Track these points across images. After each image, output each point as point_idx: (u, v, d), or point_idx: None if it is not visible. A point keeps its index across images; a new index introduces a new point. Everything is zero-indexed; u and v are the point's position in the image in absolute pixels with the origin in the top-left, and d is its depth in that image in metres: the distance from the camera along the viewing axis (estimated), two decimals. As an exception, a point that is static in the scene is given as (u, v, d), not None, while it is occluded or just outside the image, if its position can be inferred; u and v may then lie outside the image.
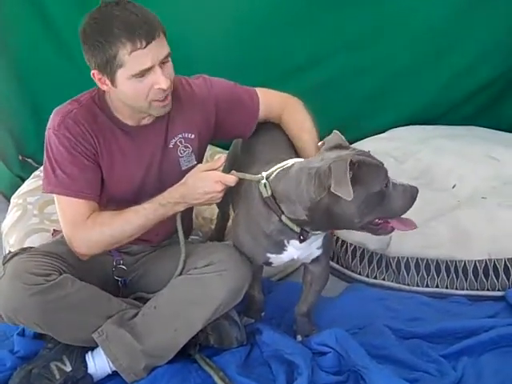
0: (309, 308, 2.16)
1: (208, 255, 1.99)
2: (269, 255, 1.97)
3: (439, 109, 3.28)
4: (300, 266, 2.37)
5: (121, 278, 2.14)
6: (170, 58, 1.88)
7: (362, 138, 3.08)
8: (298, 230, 1.86)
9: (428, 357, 2.06)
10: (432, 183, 2.74)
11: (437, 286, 2.43)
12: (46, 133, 1.97)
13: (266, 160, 2.00)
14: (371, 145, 2.87)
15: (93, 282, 1.99)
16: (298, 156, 2.07)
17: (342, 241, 2.61)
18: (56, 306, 1.87)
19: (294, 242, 1.91)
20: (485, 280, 2.39)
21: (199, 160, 2.12)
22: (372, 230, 1.85)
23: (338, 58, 3.10)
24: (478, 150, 2.90)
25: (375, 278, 2.52)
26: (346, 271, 2.59)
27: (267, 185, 1.87)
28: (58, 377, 1.92)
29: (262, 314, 2.26)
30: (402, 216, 1.85)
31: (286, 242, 1.92)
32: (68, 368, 1.93)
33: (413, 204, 1.83)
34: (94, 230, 1.94)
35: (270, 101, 2.19)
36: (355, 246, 2.57)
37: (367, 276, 2.53)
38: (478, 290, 2.40)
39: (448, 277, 2.42)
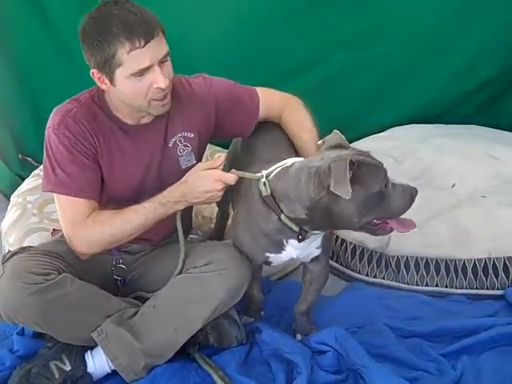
0: (308, 307, 2.16)
1: (207, 254, 1.99)
2: (268, 254, 1.97)
3: (439, 108, 3.28)
4: (299, 265, 2.36)
5: (120, 277, 2.14)
6: (168, 58, 1.88)
7: (361, 137, 3.08)
8: (296, 229, 1.86)
9: (427, 356, 2.05)
10: (432, 182, 2.73)
11: (436, 285, 2.42)
12: (46, 132, 1.97)
13: (266, 159, 2.00)
14: (371, 144, 2.86)
15: (92, 281, 1.99)
16: (297, 155, 2.07)
17: (342, 239, 2.61)
18: (55, 305, 1.87)
19: (293, 242, 1.91)
20: (484, 279, 2.39)
21: (199, 159, 2.12)
22: (371, 231, 1.85)
23: (338, 58, 3.10)
24: (478, 148, 2.89)
25: (375, 276, 2.52)
26: (345, 270, 2.59)
27: (267, 183, 1.87)
28: (57, 376, 1.92)
29: (262, 313, 2.26)
30: (401, 216, 1.85)
31: (284, 241, 1.92)
32: (67, 367, 1.93)
33: (411, 204, 1.83)
34: (94, 229, 1.94)
35: (270, 100, 2.18)
36: (355, 245, 2.57)
37: (367, 275, 2.53)
38: (477, 288, 2.39)
39: (447, 276, 2.41)
